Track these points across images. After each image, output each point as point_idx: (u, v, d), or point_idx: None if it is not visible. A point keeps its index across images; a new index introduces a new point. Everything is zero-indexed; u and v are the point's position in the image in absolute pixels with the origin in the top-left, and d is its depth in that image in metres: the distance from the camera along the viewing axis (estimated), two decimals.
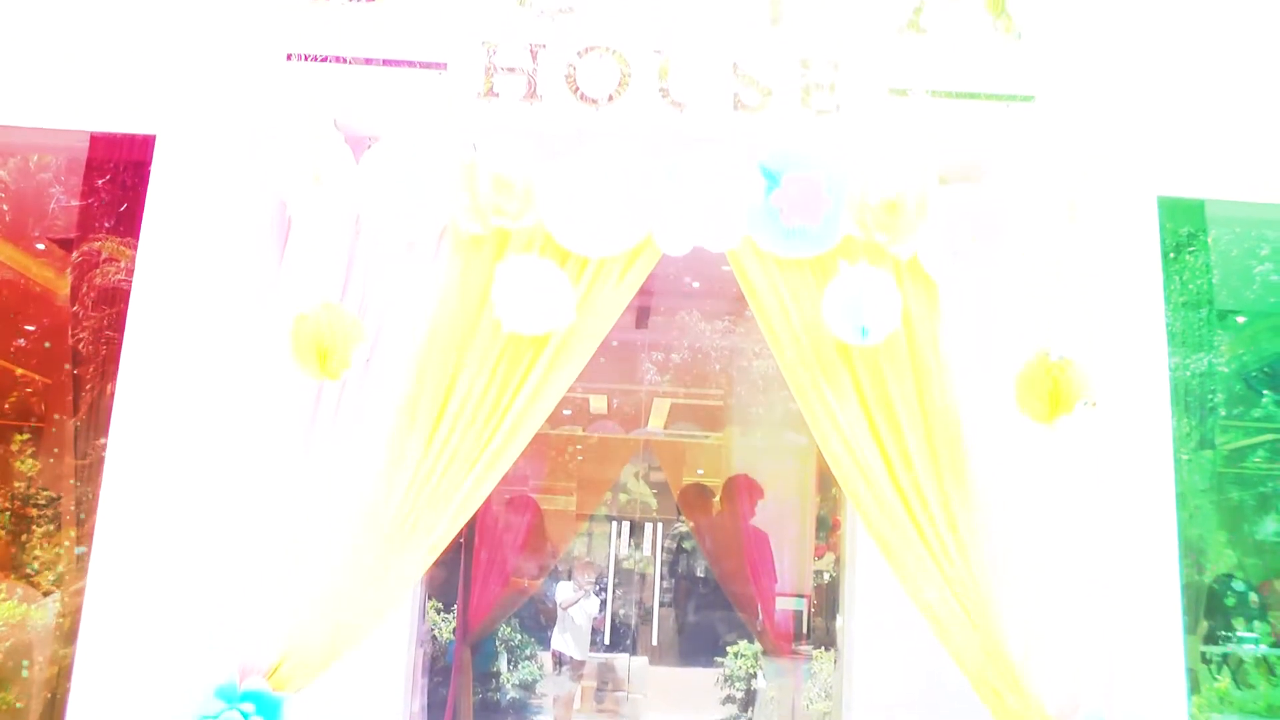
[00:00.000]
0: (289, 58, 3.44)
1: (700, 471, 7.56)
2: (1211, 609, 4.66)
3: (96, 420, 3.87)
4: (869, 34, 3.52)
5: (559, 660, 8.19)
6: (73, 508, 3.98)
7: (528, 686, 8.65)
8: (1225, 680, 4.55)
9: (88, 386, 3.89)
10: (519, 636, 8.60)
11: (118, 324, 3.55)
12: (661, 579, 7.48)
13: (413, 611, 3.79)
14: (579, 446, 7.49)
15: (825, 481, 6.58)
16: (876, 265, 2.94)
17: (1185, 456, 3.87)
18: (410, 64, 3.44)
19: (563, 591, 8.13)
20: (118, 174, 3.78)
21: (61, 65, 3.52)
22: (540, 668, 8.71)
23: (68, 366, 3.91)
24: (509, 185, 2.85)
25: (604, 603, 7.84)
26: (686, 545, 7.52)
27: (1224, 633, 4.78)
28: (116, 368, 3.41)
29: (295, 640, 2.84)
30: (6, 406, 5.57)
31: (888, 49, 3.50)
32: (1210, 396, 4.10)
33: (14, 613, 4.50)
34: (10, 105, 3.53)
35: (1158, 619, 3.32)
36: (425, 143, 2.93)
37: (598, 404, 7.41)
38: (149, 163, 3.48)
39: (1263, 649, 4.78)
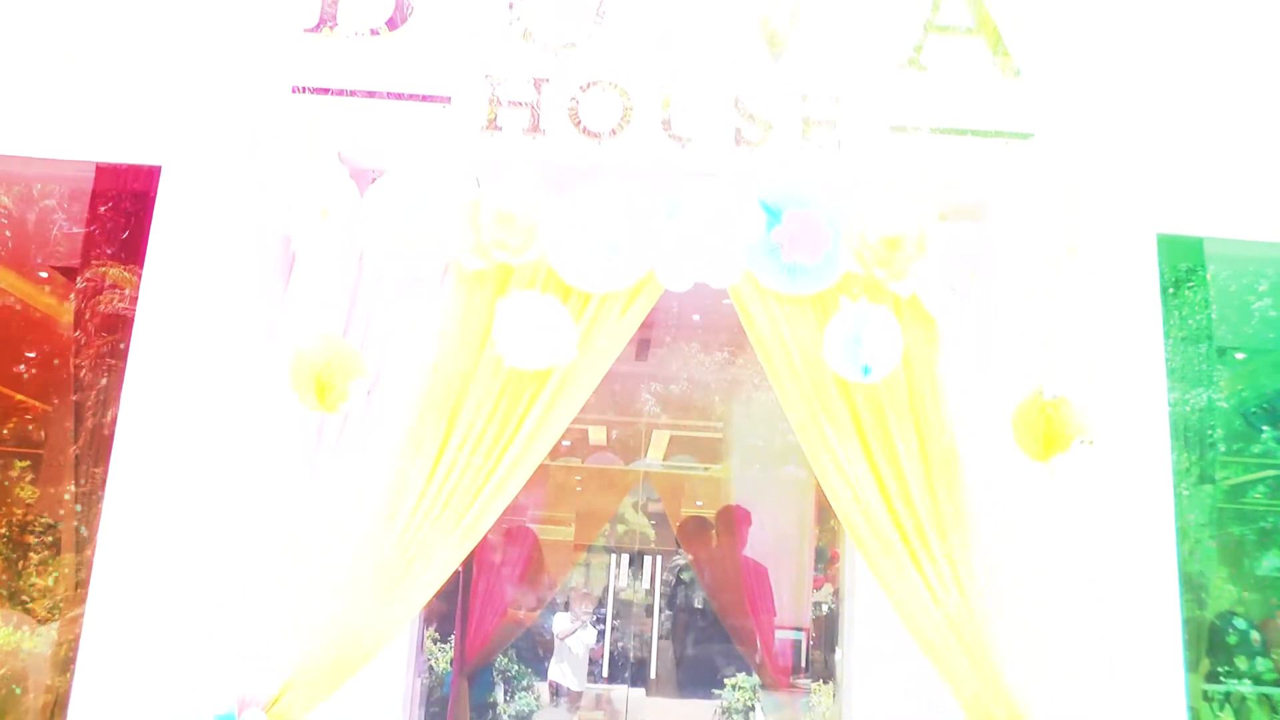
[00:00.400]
0: (294, 90, 3.47)
1: (699, 503, 7.56)
2: (1213, 646, 4.63)
3: (96, 448, 3.87)
4: (870, 71, 3.55)
5: (556, 691, 8.14)
6: (72, 535, 3.97)
7: (525, 717, 8.59)
8: (1228, 718, 4.52)
9: (88, 414, 3.89)
10: (516, 667, 8.54)
11: (119, 351, 3.56)
12: (660, 611, 7.45)
13: (411, 642, 3.77)
14: (578, 478, 7.49)
15: (824, 513, 6.58)
16: (876, 302, 2.96)
17: (1185, 491, 3.86)
18: (414, 97, 3.47)
19: (560, 622, 8.09)
20: (122, 203, 3.80)
21: (68, 96, 3.54)
22: (537, 698, 8.65)
23: (71, 396, 3.91)
24: (512, 221, 2.87)
25: (601, 634, 7.80)
26: (685, 577, 7.49)
27: (1225, 668, 4.75)
28: (117, 395, 3.41)
29: (295, 672, 2.83)
30: (5, 433, 5.57)
31: (888, 86, 3.53)
32: (1210, 432, 4.11)
33: (9, 640, 4.48)
34: (17, 135, 3.56)
35: (1158, 655, 3.30)
36: (429, 178, 2.96)
37: (597, 435, 7.41)
38: (154, 193, 3.50)
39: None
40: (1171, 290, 3.71)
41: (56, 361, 4.99)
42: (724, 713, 8.38)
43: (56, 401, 5.07)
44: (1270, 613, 5.06)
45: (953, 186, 3.41)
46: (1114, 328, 3.32)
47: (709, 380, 6.91)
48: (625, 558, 7.55)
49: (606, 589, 7.51)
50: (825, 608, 6.94)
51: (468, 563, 6.33)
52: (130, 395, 3.35)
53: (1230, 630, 4.78)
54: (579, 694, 8.36)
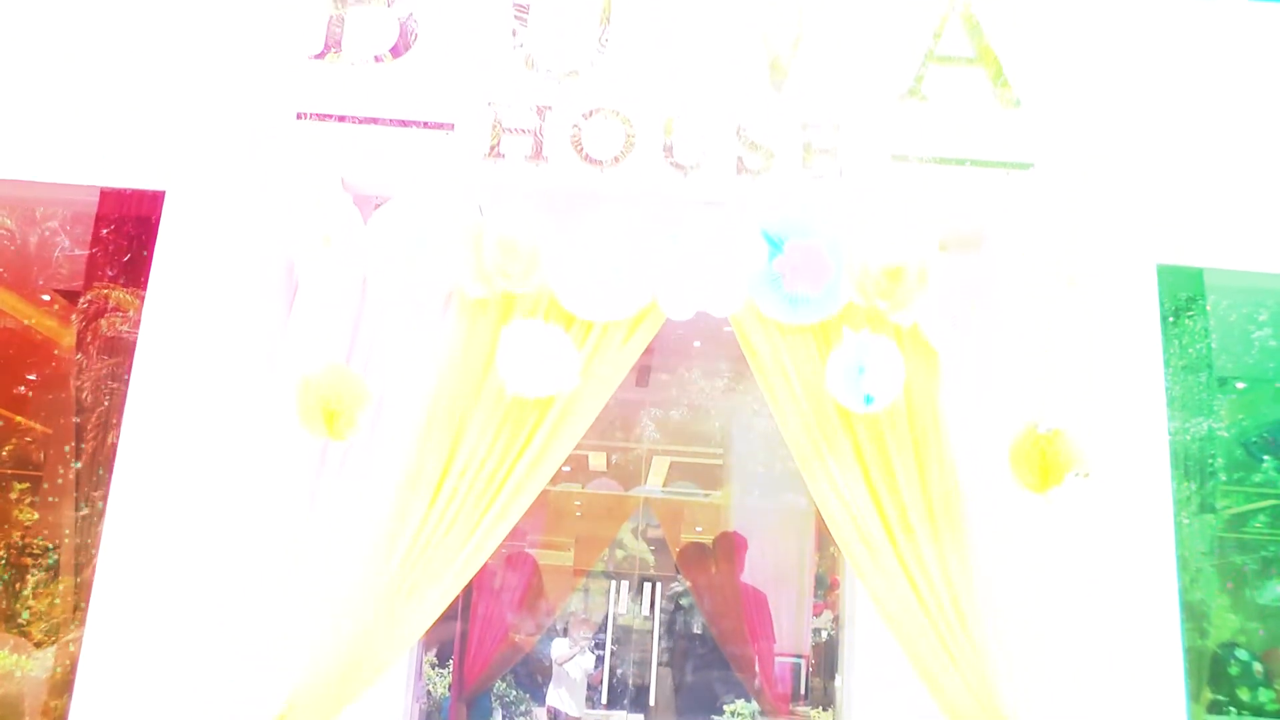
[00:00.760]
0: (299, 116, 3.49)
1: (699, 529, 7.54)
2: (1215, 676, 4.61)
3: (97, 470, 3.86)
4: (871, 100, 3.57)
5: (554, 717, 8.07)
6: (71, 558, 3.96)
7: None
8: None
9: (89, 436, 3.89)
10: (514, 692, 8.48)
11: (120, 374, 3.56)
12: (660, 638, 7.41)
13: (410, 667, 3.76)
14: (578, 503, 7.48)
15: (824, 540, 6.56)
16: (878, 332, 2.97)
17: (1186, 520, 3.85)
18: (418, 124, 3.49)
19: (558, 647, 8.04)
20: (126, 227, 3.81)
21: (73, 121, 3.56)
22: None
23: (72, 418, 3.91)
24: (515, 249, 2.88)
25: (600, 659, 7.75)
26: (684, 602, 7.46)
27: (1227, 699, 4.72)
28: (118, 418, 3.41)
29: (294, 697, 2.82)
30: (5, 455, 5.56)
31: (889, 115, 3.55)
32: (1210, 461, 4.10)
33: (6, 663, 4.46)
34: (22, 160, 3.57)
35: (1160, 685, 3.28)
36: (432, 206, 2.97)
37: (597, 461, 7.41)
38: (158, 217, 3.51)
39: None
40: (1171, 319, 3.71)
41: (57, 385, 4.99)
42: None
43: (58, 424, 5.07)
44: (1273, 643, 5.03)
45: (953, 216, 3.42)
46: (1114, 358, 3.33)
47: (709, 406, 6.91)
48: (625, 584, 7.52)
49: (606, 614, 7.47)
50: (825, 634, 6.90)
51: (467, 587, 6.30)
52: (132, 418, 3.35)
53: (1232, 661, 4.76)
54: (577, 719, 8.30)
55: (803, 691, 7.00)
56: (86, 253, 3.94)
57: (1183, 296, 3.80)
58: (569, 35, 3.58)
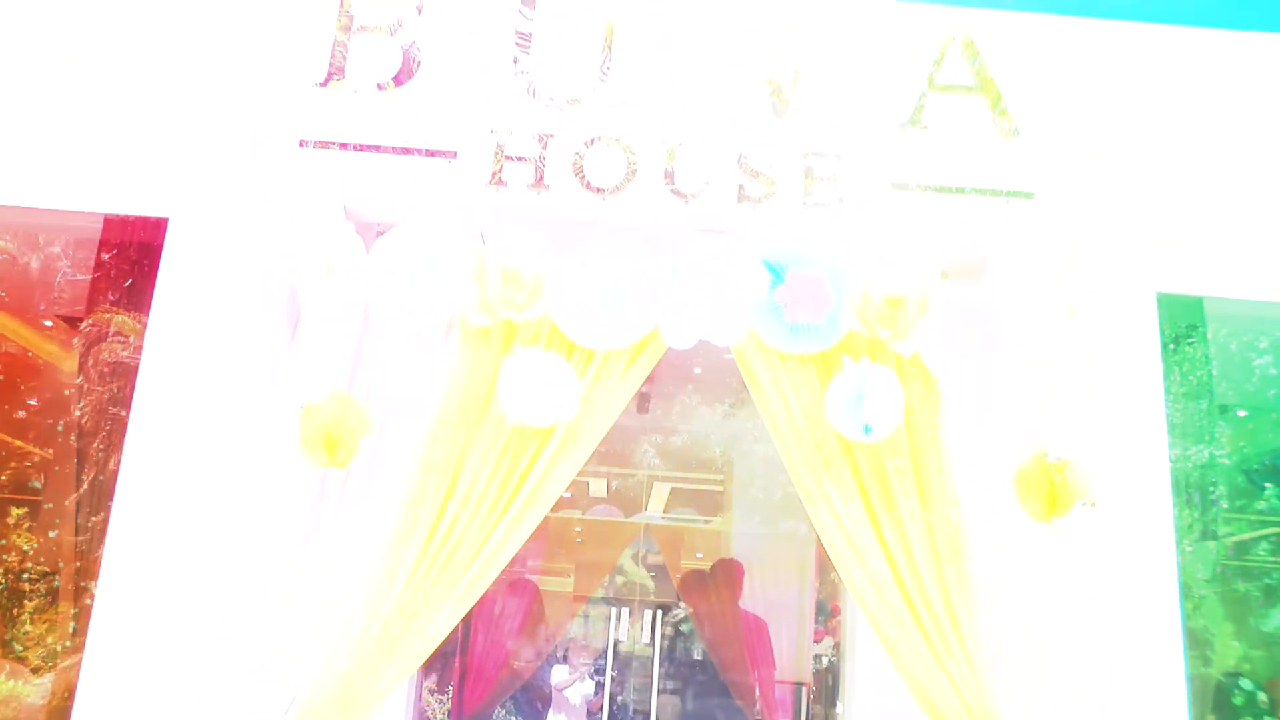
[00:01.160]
0: (301, 144, 3.51)
1: (699, 555, 7.52)
2: (1219, 706, 4.58)
3: (97, 496, 3.86)
4: (871, 128, 3.59)
5: None
6: (70, 583, 3.94)
7: None
8: None
9: (90, 461, 3.89)
10: (514, 719, 8.43)
11: (121, 399, 3.56)
12: (661, 665, 7.37)
13: (409, 695, 3.74)
14: (578, 529, 7.46)
15: (824, 566, 6.53)
16: (879, 361, 2.98)
17: (1189, 548, 3.84)
18: (420, 152, 3.51)
19: (558, 674, 7.99)
20: (129, 252, 3.82)
21: (77, 149, 3.58)
22: None
23: (72, 443, 3.91)
24: (517, 278, 2.89)
25: (600, 685, 7.70)
26: (684, 629, 7.43)
27: None
28: (119, 443, 3.41)
29: None
30: (4, 479, 5.55)
31: (890, 144, 3.57)
32: (1212, 488, 4.10)
33: (1, 689, 4.44)
34: (26, 187, 3.59)
35: (1163, 714, 3.26)
36: (435, 235, 2.99)
37: (597, 487, 7.40)
38: (161, 244, 3.52)
39: None
40: (1172, 346, 3.72)
41: (58, 409, 4.99)
42: None
43: (58, 448, 5.06)
44: (1277, 673, 5.00)
45: (953, 244, 3.44)
46: (1115, 386, 3.33)
47: (710, 433, 6.90)
48: (625, 610, 7.49)
49: (606, 640, 7.43)
50: (826, 660, 6.87)
51: (467, 614, 6.27)
52: (133, 444, 3.35)
53: (1236, 691, 4.73)
54: None
55: (804, 718, 6.96)
56: (89, 277, 3.96)
57: (1183, 324, 3.81)
58: (571, 63, 3.61)
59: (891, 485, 3.01)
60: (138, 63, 3.65)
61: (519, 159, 3.49)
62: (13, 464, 5.50)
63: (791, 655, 6.82)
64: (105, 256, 3.88)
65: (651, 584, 7.70)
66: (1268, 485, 5.09)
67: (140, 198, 3.56)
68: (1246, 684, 4.77)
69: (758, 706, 6.70)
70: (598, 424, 3.02)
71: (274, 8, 3.68)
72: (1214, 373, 4.00)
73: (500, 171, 3.47)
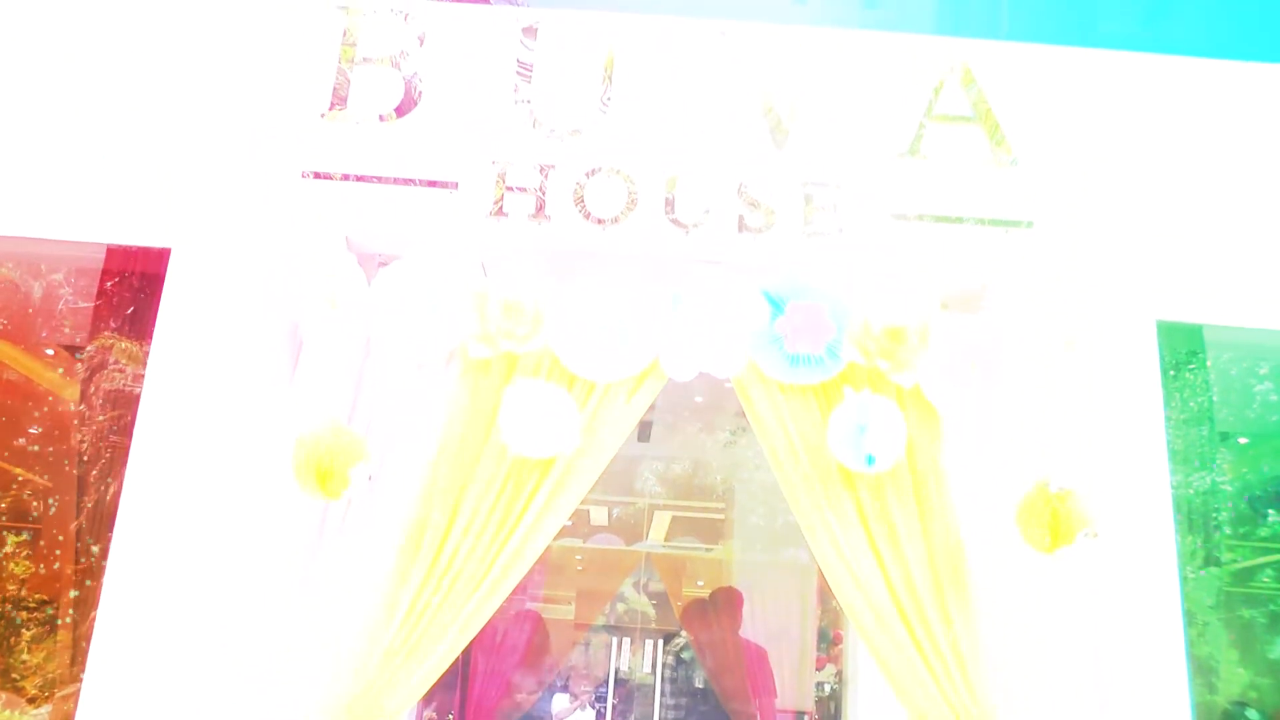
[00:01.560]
0: (304, 175, 3.52)
1: (700, 583, 7.50)
2: None
3: (96, 524, 3.85)
4: (871, 158, 3.61)
5: None
6: (68, 612, 3.93)
7: None
8: None
9: (90, 489, 3.88)
10: None
11: (122, 427, 3.56)
12: (662, 694, 7.33)
13: None
14: (579, 557, 7.44)
15: (826, 594, 6.51)
16: (879, 393, 2.98)
17: (1191, 575, 3.83)
18: (422, 183, 3.52)
19: (558, 703, 7.95)
20: (131, 282, 3.83)
21: (80, 179, 3.59)
22: None
23: (72, 471, 3.90)
24: (518, 310, 2.90)
25: (601, 714, 7.66)
26: (685, 656, 7.40)
27: None
28: (119, 471, 3.40)
29: None
30: (2, 506, 5.54)
31: (889, 174, 3.59)
32: (1214, 515, 4.09)
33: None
34: (28, 217, 3.60)
35: None
36: (436, 267, 3.00)
37: (598, 516, 7.39)
38: (163, 275, 3.53)
39: None
40: (1172, 373, 3.72)
41: (58, 436, 4.99)
42: None
43: (57, 476, 5.05)
44: None
45: (952, 275, 3.44)
46: (1115, 415, 3.33)
47: (711, 461, 6.90)
48: (626, 640, 7.47)
49: (607, 669, 7.40)
50: (828, 688, 6.83)
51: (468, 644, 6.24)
52: (134, 473, 3.34)
53: None
54: None
55: None
56: (91, 305, 3.97)
57: (1183, 352, 3.82)
58: (572, 94, 3.63)
59: (893, 516, 3.00)
60: (140, 94, 3.67)
61: (520, 190, 3.50)
62: (12, 492, 5.49)
63: (793, 683, 6.78)
64: (108, 284, 3.89)
65: (653, 611, 7.68)
66: (1270, 512, 5.07)
67: (142, 228, 3.58)
68: (1254, 714, 4.74)
69: None
70: (599, 455, 3.02)
71: (276, 39, 3.71)
72: (1214, 399, 4.00)
73: (501, 202, 3.48)
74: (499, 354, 3.03)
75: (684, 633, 7.16)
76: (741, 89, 3.66)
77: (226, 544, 3.11)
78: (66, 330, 4.60)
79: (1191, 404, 3.91)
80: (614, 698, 7.28)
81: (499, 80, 3.64)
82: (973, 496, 3.05)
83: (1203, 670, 3.79)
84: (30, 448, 5.44)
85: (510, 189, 3.50)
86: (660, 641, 7.21)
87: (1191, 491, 3.88)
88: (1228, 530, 4.44)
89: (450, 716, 6.59)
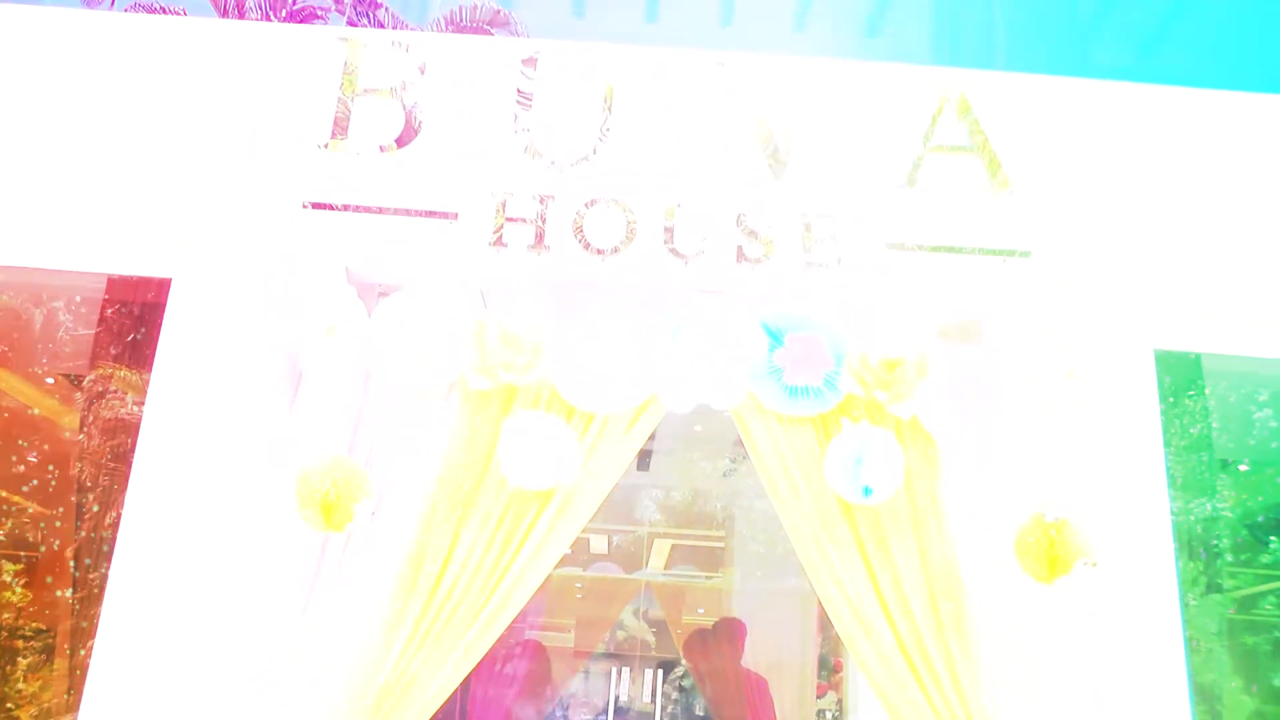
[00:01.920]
0: (304, 206, 3.54)
1: (700, 611, 7.47)
2: None
3: (95, 552, 3.84)
4: (869, 188, 3.62)
5: None
6: (66, 640, 3.91)
7: None
8: None
9: (88, 517, 3.88)
10: None
11: (121, 455, 3.56)
12: None
13: None
14: (578, 585, 7.42)
15: (826, 622, 6.48)
16: (877, 424, 2.98)
17: (1193, 602, 3.82)
18: (422, 213, 3.53)
19: None
20: (131, 311, 3.85)
21: (81, 209, 3.60)
22: None
23: (71, 498, 3.90)
24: (517, 342, 2.91)
25: None
26: (685, 684, 7.37)
27: None
28: (118, 499, 3.40)
29: None
30: (0, 534, 5.52)
31: (887, 203, 3.60)
32: (1215, 541, 4.08)
33: None
34: (30, 247, 3.62)
35: None
36: (436, 299, 3.01)
37: (598, 544, 7.37)
38: (164, 304, 3.54)
39: None
40: (1171, 399, 3.72)
41: (52, 466, 4.99)
42: None
43: (55, 504, 5.05)
44: None
45: (951, 305, 3.45)
46: (1114, 444, 3.33)
47: (711, 489, 6.89)
48: (626, 669, 7.43)
49: (606, 697, 7.36)
50: (829, 715, 6.80)
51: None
52: (134, 503, 3.33)
53: None
54: None
55: None
56: (92, 333, 3.98)
57: (1181, 380, 3.82)
58: (571, 124, 3.65)
59: (891, 547, 3.00)
60: (142, 124, 3.69)
61: (519, 220, 3.51)
62: (10, 519, 5.48)
63: (794, 711, 6.74)
64: (109, 312, 3.90)
65: (653, 639, 7.65)
66: (1272, 539, 5.06)
67: (144, 258, 3.59)
68: None
69: None
70: (598, 486, 3.02)
71: (277, 71, 3.74)
72: (1214, 426, 4.00)
73: (501, 232, 3.49)
74: (499, 385, 3.03)
75: (684, 662, 7.13)
76: (740, 120, 3.68)
77: (225, 573, 3.10)
78: (67, 359, 4.60)
79: (1191, 430, 3.91)
80: None
81: (499, 111, 3.66)
82: (971, 527, 3.05)
83: (1206, 698, 3.77)
84: (29, 480, 5.43)
85: (510, 219, 3.51)
86: (660, 671, 7.18)
87: (1192, 518, 3.88)
88: (1229, 557, 4.43)
89: None
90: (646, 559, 7.53)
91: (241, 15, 8.86)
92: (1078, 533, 2.90)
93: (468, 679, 6.45)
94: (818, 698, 6.86)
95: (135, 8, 8.86)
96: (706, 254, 3.49)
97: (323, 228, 3.50)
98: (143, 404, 3.46)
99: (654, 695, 7.14)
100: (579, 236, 3.50)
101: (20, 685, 4.77)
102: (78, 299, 4.32)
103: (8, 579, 5.32)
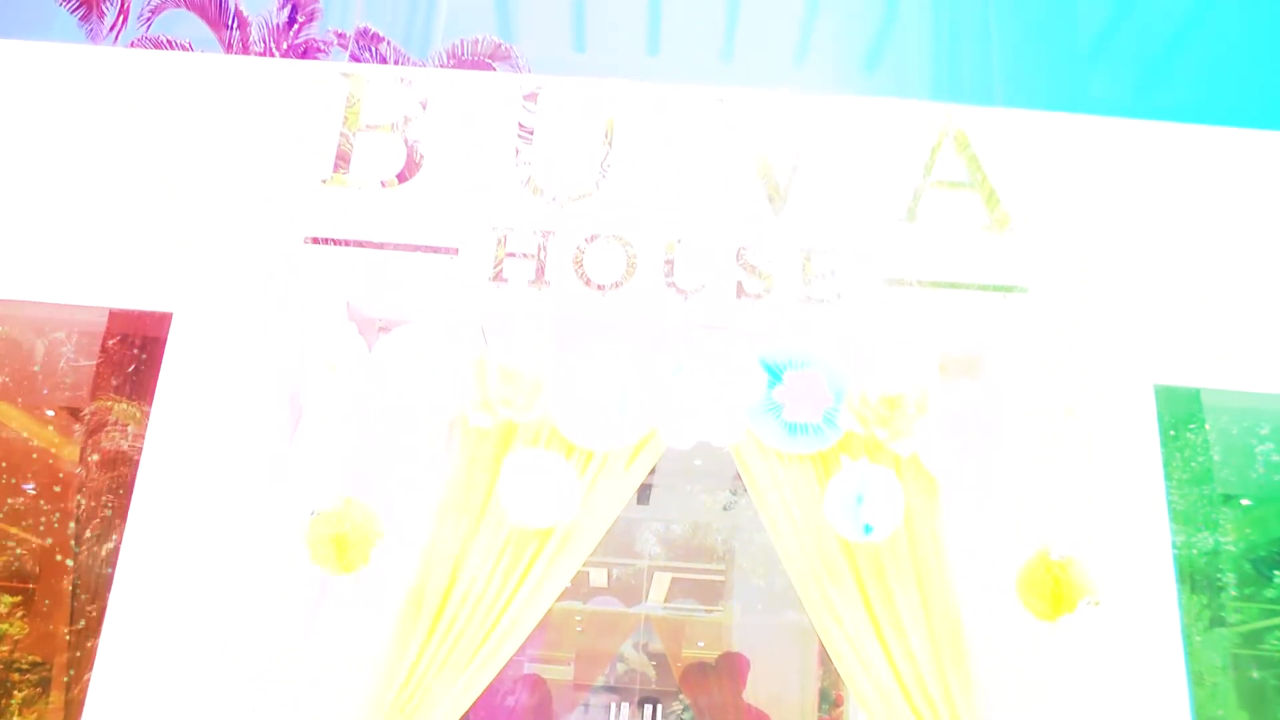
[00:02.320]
0: (306, 241, 3.54)
1: (701, 644, 7.43)
2: None
3: (93, 585, 3.83)
4: (868, 224, 3.63)
5: None
6: (62, 673, 3.89)
7: None
8: None
9: (86, 549, 3.87)
10: None
11: (120, 487, 3.55)
12: None
13: None
14: (578, 618, 7.38)
15: (826, 655, 6.44)
16: (877, 461, 2.98)
17: (1198, 636, 3.79)
18: (423, 248, 3.54)
19: None
20: (132, 345, 3.85)
21: (83, 244, 3.62)
22: None
23: (68, 531, 3.89)
24: (518, 379, 2.91)
25: None
26: (686, 717, 7.30)
27: None
28: (116, 532, 3.39)
29: None
30: None
31: (887, 239, 3.61)
32: (1219, 576, 4.06)
33: None
34: (31, 281, 3.62)
35: None
36: (436, 335, 3.01)
37: (598, 577, 7.34)
38: (164, 338, 3.54)
39: None
40: (1172, 433, 3.71)
41: (55, 496, 4.97)
42: None
43: (54, 536, 5.03)
44: None
45: (951, 340, 3.45)
46: (1115, 480, 3.32)
47: (711, 523, 6.87)
48: (625, 703, 7.37)
49: None
50: None
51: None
52: (132, 535, 3.32)
53: None
54: None
55: None
56: (93, 364, 3.98)
57: (1181, 415, 3.81)
58: (572, 160, 3.67)
59: (892, 585, 2.98)
60: (143, 159, 3.71)
61: (520, 256, 3.52)
62: (7, 551, 5.46)
63: None
64: (111, 343, 3.90)
65: (653, 672, 7.60)
66: (1276, 573, 5.03)
67: (145, 292, 3.59)
68: None
69: None
70: (598, 523, 3.02)
71: (280, 106, 3.76)
72: (1216, 460, 3.99)
73: (501, 267, 3.50)
74: (499, 422, 3.03)
75: (682, 696, 7.08)
76: (740, 155, 3.70)
77: (223, 608, 3.09)
78: (67, 392, 4.60)
79: (1193, 464, 3.90)
80: None
81: (500, 146, 3.68)
82: (972, 565, 3.03)
83: None
84: (27, 511, 5.42)
85: (510, 255, 3.51)
86: (657, 706, 7.11)
87: (1195, 552, 3.85)
88: (1233, 591, 4.40)
89: None
90: (646, 592, 7.49)
91: (245, 48, 8.94)
92: (1082, 571, 2.88)
93: (468, 712, 6.40)
94: None
95: (141, 42, 8.95)
96: (707, 289, 3.50)
97: (324, 263, 3.51)
98: (142, 437, 3.45)
99: None
100: (579, 271, 3.50)
101: (15, 719, 4.73)
102: (78, 333, 4.33)
103: (4, 610, 5.30)
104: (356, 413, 3.06)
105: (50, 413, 5.01)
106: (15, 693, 4.83)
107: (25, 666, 4.94)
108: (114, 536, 3.49)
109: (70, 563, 3.96)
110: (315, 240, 3.54)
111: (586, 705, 7.46)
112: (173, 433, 3.39)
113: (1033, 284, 3.56)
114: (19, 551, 5.41)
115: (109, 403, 4.11)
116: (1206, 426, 3.90)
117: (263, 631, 2.99)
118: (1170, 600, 3.37)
